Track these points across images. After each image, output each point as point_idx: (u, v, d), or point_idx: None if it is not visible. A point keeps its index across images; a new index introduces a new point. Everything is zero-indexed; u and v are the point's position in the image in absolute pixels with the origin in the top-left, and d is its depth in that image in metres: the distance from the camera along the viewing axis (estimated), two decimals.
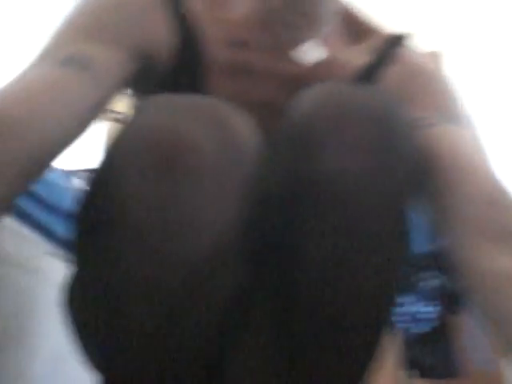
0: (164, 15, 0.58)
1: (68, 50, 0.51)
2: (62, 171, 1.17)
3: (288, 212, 0.49)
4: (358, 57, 0.64)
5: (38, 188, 0.95)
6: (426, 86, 0.63)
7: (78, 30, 0.54)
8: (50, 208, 0.98)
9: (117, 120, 1.25)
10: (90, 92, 0.50)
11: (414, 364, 1.31)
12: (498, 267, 0.46)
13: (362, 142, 0.46)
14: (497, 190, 0.53)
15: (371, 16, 0.68)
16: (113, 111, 1.06)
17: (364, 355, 0.54)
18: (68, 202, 1.03)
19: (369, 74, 0.63)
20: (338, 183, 0.47)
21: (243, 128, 0.46)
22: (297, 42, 0.61)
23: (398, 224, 0.51)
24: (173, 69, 0.59)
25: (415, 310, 1.21)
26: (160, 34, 0.58)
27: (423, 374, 1.31)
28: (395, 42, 0.65)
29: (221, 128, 0.44)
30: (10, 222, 0.86)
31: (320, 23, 0.60)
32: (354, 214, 0.47)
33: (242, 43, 0.60)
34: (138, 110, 0.50)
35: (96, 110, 0.52)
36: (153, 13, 0.58)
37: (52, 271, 0.94)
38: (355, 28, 0.66)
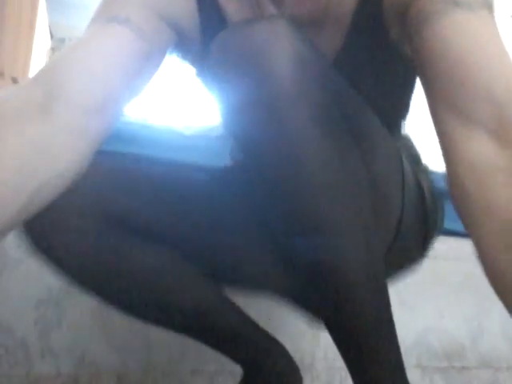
0: None
1: (107, 13, 0.57)
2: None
3: None
4: None
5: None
6: None
7: None
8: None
9: None
10: (130, 42, 0.54)
11: None
12: (482, 159, 0.45)
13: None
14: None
15: None
16: None
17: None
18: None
19: None
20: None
21: None
22: None
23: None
24: (200, 31, 0.65)
25: None
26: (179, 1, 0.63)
27: None
28: None
29: None
30: None
31: None
32: None
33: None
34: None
35: (142, 60, 0.56)
36: None
37: None
38: None
